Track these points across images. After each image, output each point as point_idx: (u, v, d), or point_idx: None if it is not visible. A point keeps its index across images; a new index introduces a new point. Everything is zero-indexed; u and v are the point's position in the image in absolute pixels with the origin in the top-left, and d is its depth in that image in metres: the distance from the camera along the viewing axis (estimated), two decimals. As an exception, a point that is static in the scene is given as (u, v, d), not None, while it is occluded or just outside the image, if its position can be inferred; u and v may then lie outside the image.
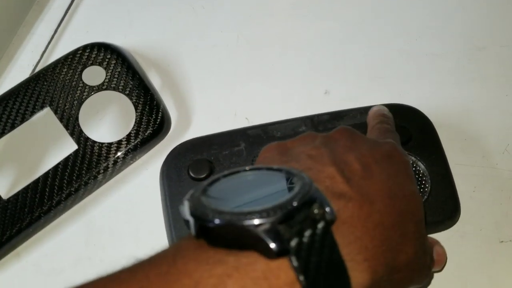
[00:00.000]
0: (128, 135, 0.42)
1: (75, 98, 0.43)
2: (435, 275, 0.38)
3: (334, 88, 0.46)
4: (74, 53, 0.44)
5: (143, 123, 0.42)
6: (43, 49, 0.49)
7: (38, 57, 0.49)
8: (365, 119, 0.40)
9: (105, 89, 0.43)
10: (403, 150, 0.33)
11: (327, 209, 0.24)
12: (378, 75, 0.47)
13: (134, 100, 0.43)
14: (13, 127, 0.42)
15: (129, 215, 0.42)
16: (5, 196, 0.40)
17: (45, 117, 0.43)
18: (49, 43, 0.49)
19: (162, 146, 0.44)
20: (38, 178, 0.41)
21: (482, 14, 0.50)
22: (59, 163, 0.41)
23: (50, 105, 0.43)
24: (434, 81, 0.46)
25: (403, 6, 0.50)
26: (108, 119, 0.45)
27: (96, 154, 0.41)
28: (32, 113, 0.42)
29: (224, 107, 0.46)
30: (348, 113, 0.40)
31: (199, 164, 0.38)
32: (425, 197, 0.37)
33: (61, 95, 0.43)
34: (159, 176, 0.41)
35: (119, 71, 0.44)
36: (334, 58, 0.48)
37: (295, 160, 0.30)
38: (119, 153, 0.41)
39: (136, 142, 0.42)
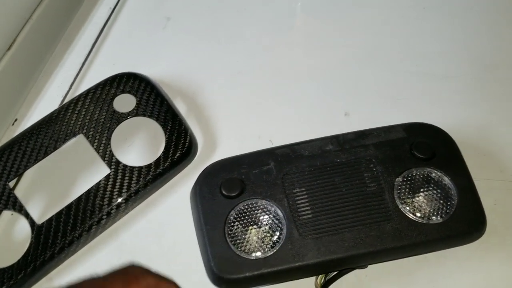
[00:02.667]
0: (158, 159, 0.43)
1: (106, 125, 0.44)
2: (464, 284, 0.39)
3: (353, 110, 0.48)
4: (105, 82, 0.46)
5: (172, 146, 0.44)
6: (71, 81, 0.51)
7: (67, 89, 0.50)
8: (388, 137, 0.41)
9: (136, 115, 0.45)
10: None
11: None
12: (395, 97, 0.49)
13: (163, 125, 0.44)
14: (46, 153, 0.43)
15: (160, 237, 0.43)
16: (39, 221, 0.41)
17: (77, 143, 0.45)
18: (77, 75, 0.51)
19: (190, 169, 0.45)
20: (71, 203, 0.42)
21: (491, 37, 0.52)
22: (91, 188, 0.42)
23: (82, 132, 0.44)
24: (449, 101, 0.48)
25: (417, 31, 0.53)
26: (138, 144, 0.46)
27: (128, 177, 0.42)
28: (66, 140, 0.44)
29: (248, 131, 0.47)
30: (372, 131, 0.42)
31: (231, 182, 0.39)
32: (452, 210, 0.38)
33: (93, 122, 0.44)
34: (190, 195, 0.42)
35: (147, 98, 0.46)
36: (352, 81, 0.50)
37: None
38: (149, 176, 0.43)
39: (165, 165, 0.43)
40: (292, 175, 0.40)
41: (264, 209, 0.39)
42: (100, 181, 0.42)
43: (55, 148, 0.44)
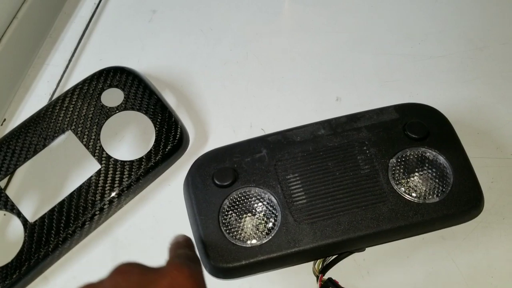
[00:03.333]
0: (149, 152, 0.43)
1: (95, 120, 0.44)
2: (463, 263, 0.39)
3: (344, 94, 0.48)
4: (91, 77, 0.46)
5: (163, 139, 0.43)
6: (58, 78, 0.50)
7: (54, 86, 0.50)
8: (381, 119, 0.41)
9: (124, 109, 0.44)
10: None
11: None
12: (386, 80, 0.48)
13: (152, 118, 0.44)
14: (36, 151, 0.43)
15: (155, 231, 0.42)
16: (31, 220, 0.41)
17: (67, 140, 0.44)
18: (64, 72, 0.51)
19: (182, 162, 0.44)
20: (63, 200, 0.41)
21: (480, 16, 0.51)
22: (83, 184, 0.42)
23: (71, 128, 0.43)
24: (441, 82, 0.48)
25: (405, 13, 0.52)
26: (128, 138, 0.46)
27: (119, 172, 0.42)
28: (54, 137, 0.43)
29: (239, 120, 0.47)
30: (365, 114, 0.41)
31: (224, 172, 0.39)
32: (449, 189, 0.38)
33: (82, 118, 0.44)
34: (183, 187, 0.41)
35: (135, 92, 0.45)
36: (342, 66, 0.49)
37: None
38: (141, 170, 0.42)
39: (157, 158, 0.43)
40: (284, 161, 0.39)
41: (258, 197, 0.38)
42: (91, 177, 0.42)
43: (44, 146, 0.43)
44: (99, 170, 0.42)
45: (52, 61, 0.52)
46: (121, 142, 0.45)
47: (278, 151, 0.40)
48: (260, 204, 0.38)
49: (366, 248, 0.39)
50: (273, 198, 0.38)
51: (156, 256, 0.40)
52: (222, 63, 0.51)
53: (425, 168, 0.38)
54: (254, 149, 0.40)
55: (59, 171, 0.44)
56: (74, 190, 0.42)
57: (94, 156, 0.42)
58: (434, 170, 0.38)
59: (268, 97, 0.48)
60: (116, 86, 0.45)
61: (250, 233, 0.37)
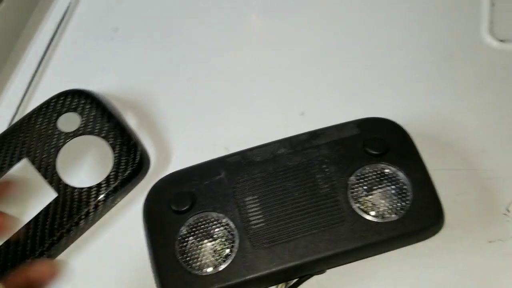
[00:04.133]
0: (108, 178, 0.42)
1: (51, 146, 0.43)
2: (429, 280, 0.38)
3: (309, 109, 0.47)
4: (48, 102, 0.45)
5: (121, 164, 0.42)
6: (18, 102, 0.49)
7: (14, 111, 0.49)
8: (341, 135, 0.40)
9: (81, 134, 0.43)
10: None
11: None
12: (351, 92, 0.48)
13: (111, 142, 0.43)
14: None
15: (116, 259, 0.41)
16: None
17: (23, 168, 0.43)
18: (24, 96, 0.50)
19: (143, 185, 0.43)
20: (19, 231, 0.40)
21: (445, 24, 0.51)
22: (39, 213, 0.41)
23: (27, 156, 0.43)
24: (406, 92, 0.47)
25: (368, 25, 0.52)
26: (86, 163, 0.45)
27: (77, 200, 0.41)
28: (10, 165, 0.42)
29: (202, 139, 0.46)
30: (325, 131, 0.41)
31: (181, 197, 0.38)
32: (408, 206, 0.37)
33: (38, 145, 0.43)
34: (142, 214, 0.40)
35: (94, 115, 0.44)
36: (307, 80, 0.49)
37: None
38: (100, 197, 0.41)
39: (116, 183, 0.42)
40: (243, 183, 0.39)
41: (215, 222, 0.37)
42: (48, 205, 0.41)
43: (0, 175, 0.42)
44: (57, 198, 0.41)
45: (12, 85, 0.51)
46: (79, 168, 0.44)
47: (237, 172, 0.39)
48: (217, 230, 0.37)
49: (329, 270, 0.38)
50: (231, 223, 0.37)
51: (116, 285, 0.40)
52: (186, 81, 0.50)
53: (384, 185, 0.38)
54: (213, 171, 0.40)
55: (15, 201, 0.43)
56: (30, 220, 0.41)
57: (51, 184, 0.42)
58: (393, 186, 0.38)
59: (232, 114, 0.48)
60: (74, 110, 0.45)
61: (207, 261, 0.36)
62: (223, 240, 0.36)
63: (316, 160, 0.39)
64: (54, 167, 0.42)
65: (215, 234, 0.37)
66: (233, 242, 0.36)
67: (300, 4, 0.54)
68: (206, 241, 0.37)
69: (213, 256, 0.36)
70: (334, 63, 0.50)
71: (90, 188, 0.41)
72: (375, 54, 0.50)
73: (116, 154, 0.43)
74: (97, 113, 0.44)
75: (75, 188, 0.41)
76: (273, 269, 0.35)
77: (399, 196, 0.37)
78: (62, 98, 0.45)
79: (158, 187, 0.40)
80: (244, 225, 0.37)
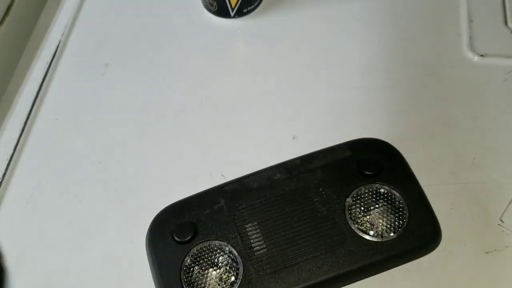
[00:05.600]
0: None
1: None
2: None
3: (300, 132, 0.48)
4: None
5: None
6: (15, 142, 0.50)
7: (12, 151, 0.49)
8: (334, 157, 0.41)
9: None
10: None
11: None
12: (340, 114, 0.49)
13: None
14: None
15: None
16: None
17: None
18: (20, 135, 0.50)
19: (143, 218, 0.43)
20: None
21: (426, 42, 0.53)
22: None
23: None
24: (393, 111, 0.48)
25: (350, 46, 0.53)
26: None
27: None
28: None
29: (198, 169, 0.47)
30: (318, 154, 0.42)
31: (183, 227, 0.39)
32: (405, 223, 0.38)
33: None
34: (145, 246, 0.41)
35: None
36: (296, 104, 0.50)
37: None
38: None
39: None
40: (243, 210, 0.39)
41: (219, 250, 0.38)
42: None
43: None
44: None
45: (8, 125, 0.51)
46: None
47: (236, 200, 0.40)
48: (221, 258, 0.38)
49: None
50: (233, 250, 0.38)
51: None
52: (178, 112, 0.51)
53: (381, 204, 0.39)
54: (212, 200, 0.40)
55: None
56: None
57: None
58: (389, 205, 0.39)
59: (226, 141, 0.49)
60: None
61: (214, 290, 0.37)
62: (227, 268, 0.37)
63: (312, 184, 0.40)
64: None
65: (220, 263, 0.37)
66: (238, 269, 0.37)
67: (284, 29, 0.55)
68: (211, 269, 0.37)
69: (219, 285, 0.37)
70: (321, 86, 0.51)
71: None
72: (359, 75, 0.51)
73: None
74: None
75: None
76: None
77: (396, 215, 0.38)
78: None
79: (159, 218, 0.40)
80: (247, 252, 0.37)
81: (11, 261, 0.43)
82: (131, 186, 0.46)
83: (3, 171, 0.48)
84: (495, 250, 0.41)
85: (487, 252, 0.41)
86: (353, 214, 0.38)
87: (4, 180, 0.48)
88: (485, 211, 0.43)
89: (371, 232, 0.38)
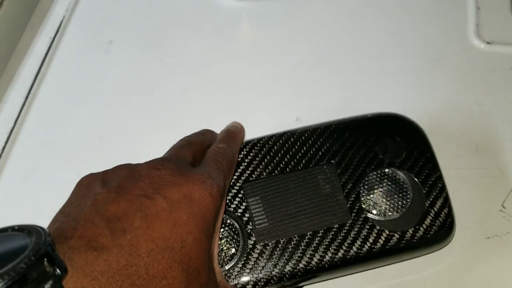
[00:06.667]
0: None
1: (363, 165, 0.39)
2: (430, 277, 0.39)
3: (304, 114, 0.48)
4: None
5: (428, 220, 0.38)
6: (16, 116, 0.50)
7: (12, 124, 0.49)
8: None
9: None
10: (211, 187, 0.31)
11: (57, 265, 0.24)
12: (344, 98, 0.49)
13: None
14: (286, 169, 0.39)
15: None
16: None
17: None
18: (21, 109, 0.50)
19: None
20: None
21: (433, 28, 0.52)
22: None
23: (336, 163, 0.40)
24: (398, 96, 0.48)
25: (358, 30, 0.53)
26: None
27: (365, 231, 0.38)
28: (316, 163, 0.40)
29: (201, 147, 0.47)
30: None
31: None
32: (408, 205, 0.38)
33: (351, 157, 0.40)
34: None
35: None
36: (301, 86, 0.50)
37: (82, 202, 0.30)
38: (389, 244, 0.38)
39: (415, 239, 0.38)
40: (246, 184, 0.39)
41: (222, 222, 0.38)
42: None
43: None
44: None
45: (9, 99, 0.51)
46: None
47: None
48: (222, 230, 0.37)
49: (334, 278, 0.38)
50: (235, 223, 0.37)
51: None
52: (181, 91, 0.50)
53: (385, 185, 0.38)
54: None
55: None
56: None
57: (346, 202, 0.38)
58: (396, 187, 0.38)
59: (228, 122, 0.48)
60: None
61: (213, 260, 0.36)
62: (228, 240, 0.37)
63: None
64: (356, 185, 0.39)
65: (220, 234, 0.37)
66: (238, 241, 0.37)
67: (292, 10, 0.55)
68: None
69: (219, 256, 0.36)
70: (326, 68, 0.51)
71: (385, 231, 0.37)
72: (365, 59, 0.51)
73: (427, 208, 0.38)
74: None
75: (369, 219, 0.37)
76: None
77: (401, 196, 0.38)
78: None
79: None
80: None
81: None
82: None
83: (3, 144, 0.48)
84: (496, 235, 0.41)
85: (488, 238, 0.41)
86: (360, 193, 0.38)
87: (4, 153, 0.48)
88: (487, 196, 0.42)
89: (374, 211, 0.37)
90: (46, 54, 0.53)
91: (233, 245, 0.37)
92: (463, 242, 0.41)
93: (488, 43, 0.50)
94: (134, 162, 0.45)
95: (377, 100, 0.48)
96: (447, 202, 0.38)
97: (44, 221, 0.43)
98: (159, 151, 0.47)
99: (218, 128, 0.48)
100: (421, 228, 0.37)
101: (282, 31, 0.54)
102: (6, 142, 0.48)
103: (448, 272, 0.39)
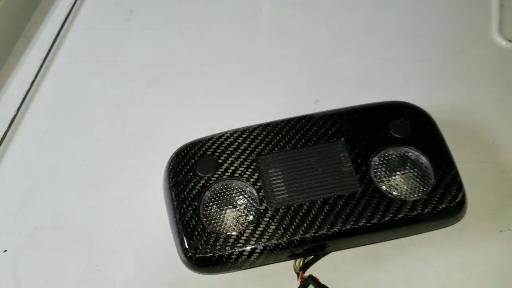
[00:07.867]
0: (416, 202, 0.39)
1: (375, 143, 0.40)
2: (439, 266, 0.39)
3: (323, 97, 0.48)
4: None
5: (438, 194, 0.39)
6: (32, 77, 0.49)
7: (28, 86, 0.49)
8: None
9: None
10: None
11: None
12: (364, 83, 0.48)
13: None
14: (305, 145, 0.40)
15: (132, 233, 0.41)
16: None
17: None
18: (38, 71, 0.49)
19: (157, 161, 0.43)
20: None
21: (457, 22, 0.52)
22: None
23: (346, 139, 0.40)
24: (419, 86, 0.48)
25: (384, 17, 0.53)
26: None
27: (375, 202, 0.38)
28: (327, 139, 0.40)
29: (217, 121, 0.46)
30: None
31: (206, 163, 0.39)
32: (429, 189, 0.38)
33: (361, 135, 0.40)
34: (163, 175, 0.40)
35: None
36: (321, 69, 0.50)
37: None
38: (400, 215, 0.38)
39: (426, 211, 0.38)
40: (267, 155, 0.39)
41: (239, 190, 0.38)
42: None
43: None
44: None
45: (27, 60, 0.50)
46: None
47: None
48: (241, 197, 0.37)
49: (345, 250, 0.39)
50: (254, 192, 0.37)
51: (132, 258, 0.40)
52: (201, 64, 0.50)
53: (407, 167, 0.39)
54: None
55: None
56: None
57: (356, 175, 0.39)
58: (416, 170, 0.38)
59: (247, 98, 0.48)
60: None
61: (230, 225, 0.36)
62: (246, 207, 0.37)
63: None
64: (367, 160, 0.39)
65: (239, 201, 0.37)
66: (257, 210, 0.37)
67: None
68: (230, 206, 0.37)
69: (237, 221, 0.36)
70: (349, 53, 0.50)
71: (397, 200, 0.37)
72: (388, 46, 0.51)
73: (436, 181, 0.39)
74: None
75: (379, 190, 0.38)
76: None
77: (421, 179, 0.38)
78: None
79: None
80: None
81: (21, 192, 0.43)
82: (148, 131, 0.46)
83: (18, 105, 0.48)
84: (508, 229, 0.41)
85: (501, 231, 0.41)
86: (379, 173, 0.38)
87: (18, 114, 0.47)
88: (501, 191, 0.42)
89: (395, 192, 0.37)
90: (66, 18, 0.53)
91: (251, 213, 0.37)
92: (475, 234, 0.41)
93: (510, 40, 0.50)
94: (150, 131, 0.45)
95: (397, 88, 0.48)
96: (457, 178, 0.39)
97: (57, 184, 0.43)
98: (175, 122, 0.47)
99: (235, 103, 0.48)
100: (432, 200, 0.37)
101: (306, 12, 0.54)
102: (21, 103, 0.48)
103: (459, 262, 0.39)
